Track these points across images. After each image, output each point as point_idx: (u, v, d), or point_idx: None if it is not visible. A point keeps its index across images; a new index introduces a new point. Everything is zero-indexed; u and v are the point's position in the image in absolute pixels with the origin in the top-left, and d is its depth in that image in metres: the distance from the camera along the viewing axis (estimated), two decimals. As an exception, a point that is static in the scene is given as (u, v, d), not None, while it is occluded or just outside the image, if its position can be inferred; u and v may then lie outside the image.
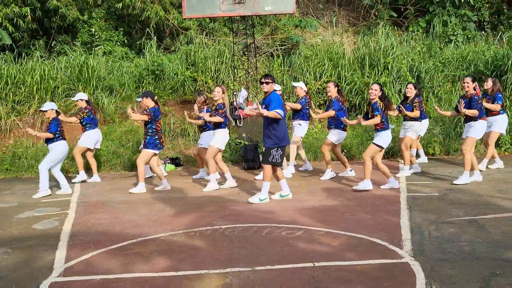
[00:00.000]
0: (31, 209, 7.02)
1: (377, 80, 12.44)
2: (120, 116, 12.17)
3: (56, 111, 8.37)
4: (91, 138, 9.22)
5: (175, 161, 10.74)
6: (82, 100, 9.31)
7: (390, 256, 4.45)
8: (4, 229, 5.96)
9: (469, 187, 7.28)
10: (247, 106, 10.26)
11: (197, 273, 4.21)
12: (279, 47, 14.28)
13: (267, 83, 6.78)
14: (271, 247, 4.83)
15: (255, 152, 10.37)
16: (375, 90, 7.40)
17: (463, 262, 4.20)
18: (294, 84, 9.40)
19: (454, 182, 7.55)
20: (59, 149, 8.08)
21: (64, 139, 8.25)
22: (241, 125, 11.27)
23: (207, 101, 9.30)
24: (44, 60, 13.09)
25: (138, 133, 11.34)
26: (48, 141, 8.15)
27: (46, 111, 8.23)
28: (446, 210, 6.00)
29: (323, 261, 4.34)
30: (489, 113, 8.57)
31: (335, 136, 8.58)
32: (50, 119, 8.19)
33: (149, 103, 7.93)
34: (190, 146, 11.63)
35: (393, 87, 12.51)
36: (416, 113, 8.44)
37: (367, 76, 12.76)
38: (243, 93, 10.89)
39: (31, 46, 14.43)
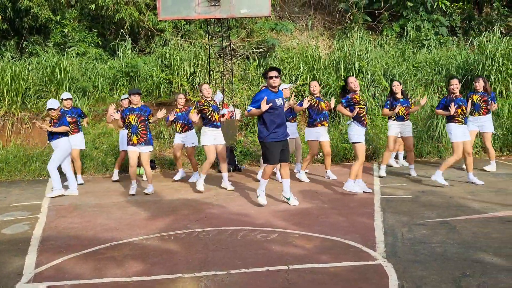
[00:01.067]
0: (0, 213, 6.84)
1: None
2: (93, 118, 11.98)
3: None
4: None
5: (150, 164, 10.60)
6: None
7: (363, 258, 4.48)
8: (-29, 234, 5.80)
9: (441, 190, 7.41)
10: (222, 108, 10.23)
11: (171, 277, 4.16)
12: (255, 50, 14.30)
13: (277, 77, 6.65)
14: (246, 250, 4.81)
15: (230, 155, 10.35)
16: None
17: (435, 263, 4.26)
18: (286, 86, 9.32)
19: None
20: (65, 145, 8.15)
21: (67, 135, 8.31)
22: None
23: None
24: (15, 61, 12.82)
25: (111, 136, 11.19)
26: (52, 138, 8.11)
27: (55, 109, 8.06)
28: (418, 212, 6.08)
29: (297, 264, 4.35)
30: (481, 112, 8.97)
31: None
32: (59, 114, 8.16)
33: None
34: (166, 148, 11.54)
35: (368, 90, 12.66)
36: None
37: (342, 80, 12.88)
38: (219, 95, 10.83)
39: (1, 47, 14.10)
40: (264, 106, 6.44)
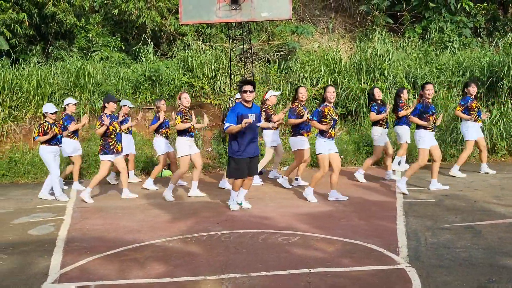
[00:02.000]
0: (26, 214, 7.00)
1: (373, 85, 12.48)
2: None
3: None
4: None
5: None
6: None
7: (386, 262, 4.44)
8: (-1, 235, 5.95)
9: (465, 193, 7.30)
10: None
11: (193, 279, 4.19)
12: (275, 53, 14.32)
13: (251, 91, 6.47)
14: (267, 253, 4.82)
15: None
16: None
17: (459, 269, 4.20)
18: (275, 93, 9.32)
19: None
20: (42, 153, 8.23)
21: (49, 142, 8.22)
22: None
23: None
24: (41, 65, 13.10)
25: (135, 139, 11.32)
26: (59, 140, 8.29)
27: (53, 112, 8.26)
28: (442, 216, 6.00)
29: (319, 267, 4.34)
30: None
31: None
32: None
33: None
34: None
35: (389, 93, 12.55)
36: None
37: (364, 82, 12.81)
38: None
39: (28, 52, 14.42)
40: (244, 124, 6.19)
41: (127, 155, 9.53)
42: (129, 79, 13.25)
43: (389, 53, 13.25)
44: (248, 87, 6.41)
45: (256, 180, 8.90)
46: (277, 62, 13.91)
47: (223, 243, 5.18)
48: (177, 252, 4.96)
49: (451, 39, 14.66)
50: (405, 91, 9.75)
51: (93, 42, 14.32)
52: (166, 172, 10.50)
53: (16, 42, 14.00)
